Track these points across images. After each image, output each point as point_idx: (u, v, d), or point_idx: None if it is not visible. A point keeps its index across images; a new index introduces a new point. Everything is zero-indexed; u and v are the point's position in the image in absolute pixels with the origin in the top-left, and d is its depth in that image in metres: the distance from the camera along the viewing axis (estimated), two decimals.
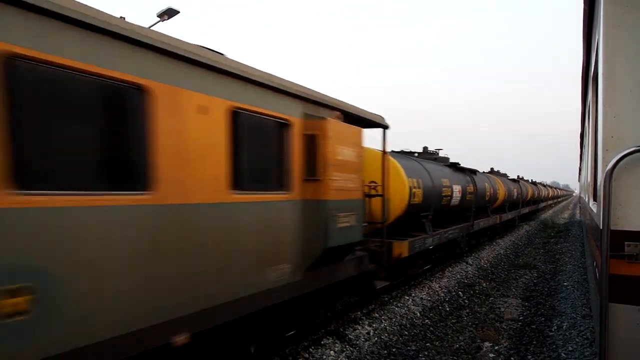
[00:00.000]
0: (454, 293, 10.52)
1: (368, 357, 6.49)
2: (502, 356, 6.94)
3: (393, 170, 9.40)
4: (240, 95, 4.71)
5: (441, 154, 15.10)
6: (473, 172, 15.96)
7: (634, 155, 2.90)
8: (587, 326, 7.54)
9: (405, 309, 8.70)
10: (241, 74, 4.66)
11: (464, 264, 13.54)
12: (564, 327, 7.87)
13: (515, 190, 24.54)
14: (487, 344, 7.53)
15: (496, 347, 7.35)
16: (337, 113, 6.42)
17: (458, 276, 11.99)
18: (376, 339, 7.12)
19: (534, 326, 8.32)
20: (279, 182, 5.30)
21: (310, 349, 6.33)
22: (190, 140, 4.07)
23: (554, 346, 7.07)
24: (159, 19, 11.77)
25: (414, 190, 9.86)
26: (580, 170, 18.74)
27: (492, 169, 26.09)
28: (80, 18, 3.17)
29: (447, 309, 9.47)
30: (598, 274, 3.27)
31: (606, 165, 2.94)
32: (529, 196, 29.73)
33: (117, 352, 3.47)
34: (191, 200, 4.10)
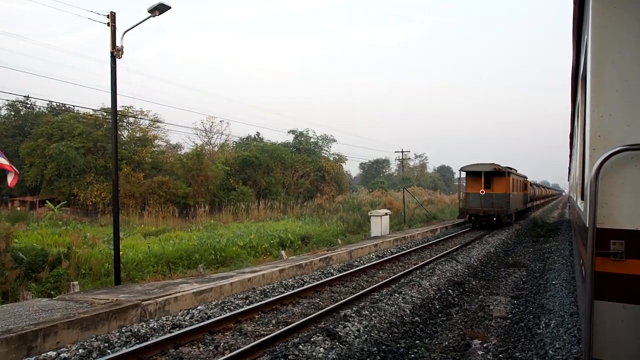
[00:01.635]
0: (443, 291, 10.58)
1: (358, 354, 6.51)
2: (490, 353, 6.99)
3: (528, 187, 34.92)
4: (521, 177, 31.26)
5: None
6: None
7: (619, 154, 2.93)
8: (575, 324, 7.61)
9: (396, 306, 8.73)
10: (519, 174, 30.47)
11: (454, 262, 13.62)
12: (552, 325, 7.94)
13: None
14: (476, 341, 7.59)
15: (485, 345, 7.41)
16: (524, 176, 32.83)
17: (448, 274, 12.06)
18: (366, 336, 7.14)
19: (522, 324, 8.39)
20: (524, 191, 32.00)
21: (300, 346, 6.34)
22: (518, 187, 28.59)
23: (542, 344, 7.13)
24: (150, 14, 11.68)
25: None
26: (569, 170, 18.92)
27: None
28: (513, 172, 26.56)
29: (437, 306, 9.52)
30: (584, 271, 3.30)
31: (593, 164, 2.98)
32: None
33: (514, 209, 26.68)
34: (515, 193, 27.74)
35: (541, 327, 8.03)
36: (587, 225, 3.04)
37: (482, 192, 24.11)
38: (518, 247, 19.51)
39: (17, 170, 10.54)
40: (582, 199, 4.47)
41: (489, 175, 24.40)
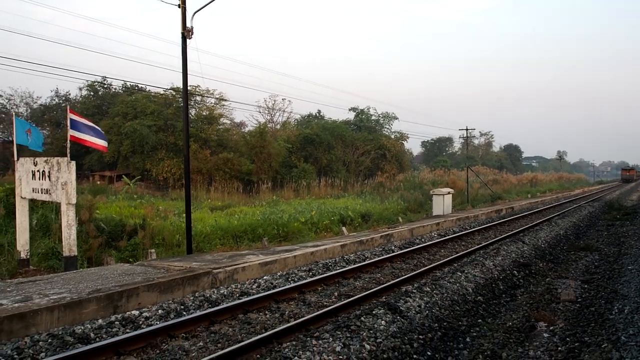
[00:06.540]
0: (508, 272, 10.35)
1: (419, 329, 6.60)
2: (557, 336, 6.83)
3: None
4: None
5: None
6: None
7: None
8: None
9: (458, 284, 8.68)
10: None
11: (520, 243, 13.22)
12: (626, 310, 7.58)
13: None
14: (541, 323, 7.43)
15: (551, 328, 7.24)
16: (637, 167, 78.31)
17: (513, 255, 11.75)
18: (427, 312, 7.20)
19: (592, 309, 8.08)
20: (636, 173, 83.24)
21: (362, 318, 6.51)
22: None
23: (614, 329, 6.85)
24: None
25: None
26: None
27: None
28: (634, 168, 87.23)
29: (501, 287, 9.36)
30: None
31: None
32: None
33: (634, 179, 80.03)
34: None
35: (614, 312, 7.70)
36: None
37: (627, 174, 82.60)
38: (591, 230, 18.53)
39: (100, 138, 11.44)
40: None
41: (629, 168, 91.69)
